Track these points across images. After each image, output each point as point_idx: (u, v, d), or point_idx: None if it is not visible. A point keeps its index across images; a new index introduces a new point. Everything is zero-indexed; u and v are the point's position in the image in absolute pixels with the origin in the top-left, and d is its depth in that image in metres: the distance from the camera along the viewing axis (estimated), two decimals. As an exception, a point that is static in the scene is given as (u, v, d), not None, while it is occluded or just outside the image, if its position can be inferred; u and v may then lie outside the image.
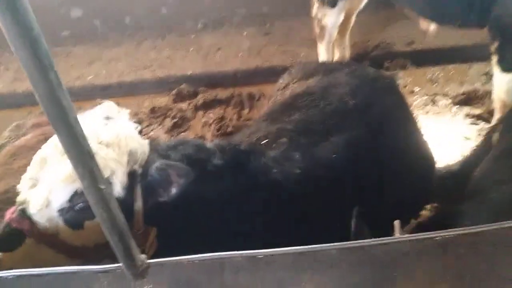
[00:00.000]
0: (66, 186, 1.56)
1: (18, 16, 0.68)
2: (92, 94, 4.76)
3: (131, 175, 1.68)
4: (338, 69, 2.87)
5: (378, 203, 2.14)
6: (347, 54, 4.54)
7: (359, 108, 2.38)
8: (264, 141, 2.21)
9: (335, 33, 3.99)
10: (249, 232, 1.89)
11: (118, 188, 1.63)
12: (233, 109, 4.33)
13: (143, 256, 1.12)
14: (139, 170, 1.71)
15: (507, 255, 1.17)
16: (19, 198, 1.61)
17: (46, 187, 1.56)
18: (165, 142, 2.00)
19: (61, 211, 1.57)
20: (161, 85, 4.79)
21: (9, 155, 2.28)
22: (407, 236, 1.20)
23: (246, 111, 4.30)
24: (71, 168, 1.47)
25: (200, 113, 4.34)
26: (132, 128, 1.80)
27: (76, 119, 0.82)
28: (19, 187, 1.64)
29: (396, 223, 1.54)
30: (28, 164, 2.16)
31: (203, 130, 4.10)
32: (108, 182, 0.94)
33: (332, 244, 1.15)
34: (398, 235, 1.50)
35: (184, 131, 4.09)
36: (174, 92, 4.58)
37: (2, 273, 1.17)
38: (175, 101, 4.52)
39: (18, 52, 0.72)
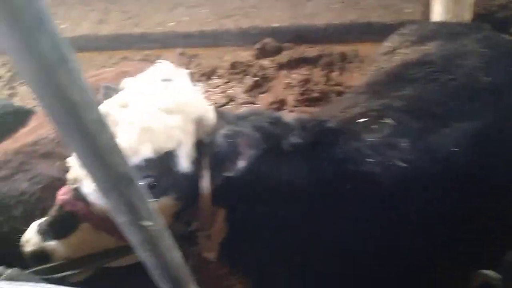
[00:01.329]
0: (129, 158, 1.30)
1: None
2: (173, 42, 4.61)
3: (198, 146, 1.43)
4: (465, 33, 2.29)
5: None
6: (469, 14, 3.76)
7: (495, 88, 1.82)
8: (362, 120, 1.76)
9: (459, -15, 3.27)
10: (326, 234, 1.53)
11: (185, 162, 1.39)
12: (321, 70, 3.88)
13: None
14: (207, 140, 1.44)
15: None
16: (70, 176, 1.39)
17: None
18: (234, 112, 1.68)
19: None
20: (244, 37, 4.47)
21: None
22: None
23: (336, 73, 3.82)
24: (135, 135, 1.29)
25: (284, 72, 3.95)
26: (196, 92, 1.51)
27: (100, 123, 0.47)
28: (70, 161, 1.40)
29: None
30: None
31: (284, 92, 3.71)
32: (155, 217, 0.60)
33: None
34: None
35: (264, 92, 3.74)
36: (257, 46, 4.24)
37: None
38: (257, 56, 4.18)
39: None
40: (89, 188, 1.33)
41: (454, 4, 3.43)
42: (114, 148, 0.51)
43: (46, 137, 1.96)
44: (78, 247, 1.38)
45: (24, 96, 4.43)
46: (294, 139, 1.53)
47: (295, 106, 3.52)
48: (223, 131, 1.42)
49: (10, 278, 1.06)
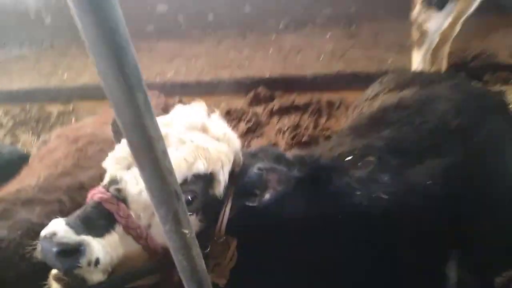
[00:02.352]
0: (176, 172, 1.40)
1: (103, 14, 0.52)
2: (171, 91, 4.83)
3: (230, 175, 1.58)
4: (438, 81, 2.53)
5: (482, 247, 1.80)
6: (445, 64, 4.09)
7: (462, 129, 2.04)
8: (348, 158, 1.96)
9: (436, 40, 3.59)
10: (322, 259, 1.67)
11: (221, 187, 1.53)
12: (310, 116, 4.12)
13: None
14: (237, 171, 1.60)
15: None
16: (109, 177, 1.47)
17: None
18: (246, 148, 1.85)
19: None
20: (238, 86, 4.73)
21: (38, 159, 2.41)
22: None
23: (323, 119, 4.06)
24: (184, 153, 1.41)
25: (275, 118, 4.19)
26: (231, 130, 1.70)
27: (164, 152, 0.65)
28: (105, 165, 1.50)
29: None
30: (53, 166, 2.19)
31: (276, 137, 3.93)
32: (191, 227, 0.76)
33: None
34: None
35: (257, 137, 3.95)
36: (250, 94, 4.50)
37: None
38: (251, 104, 4.42)
39: (98, 63, 0.56)
40: (134, 189, 1.39)
41: (431, 56, 3.75)
42: (172, 171, 0.68)
43: (29, 185, 2.07)
44: (113, 250, 1.36)
45: (26, 142, 4.59)
46: (295, 173, 1.70)
47: (286, 150, 3.71)
48: (259, 164, 1.56)
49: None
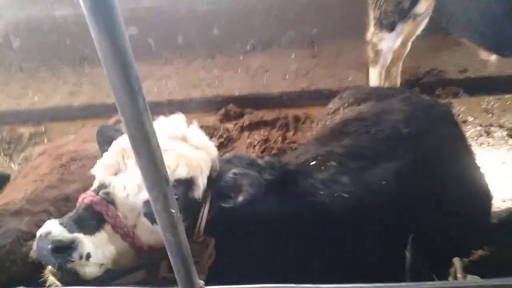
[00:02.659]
0: None
1: (114, 36, 0.71)
2: (143, 111, 4.92)
3: (208, 180, 1.73)
4: (391, 95, 2.82)
5: (431, 236, 2.04)
6: (398, 80, 4.46)
7: (412, 136, 2.31)
8: (312, 163, 2.19)
9: (389, 58, 3.94)
10: (292, 252, 1.87)
11: (200, 190, 1.68)
12: (278, 131, 4.35)
13: (201, 282, 1.12)
14: (214, 176, 1.76)
15: None
16: (98, 182, 1.61)
17: (138, 174, 1.50)
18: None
19: (147, 202, 1.52)
20: (209, 104, 4.90)
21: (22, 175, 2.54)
22: (453, 282, 1.13)
23: (291, 133, 4.30)
24: (167, 160, 1.47)
25: (246, 133, 4.39)
26: (208, 139, 1.86)
27: (157, 144, 0.83)
28: (94, 171, 1.65)
29: (457, 262, 1.45)
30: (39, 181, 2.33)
31: (247, 151, 4.13)
32: (176, 208, 0.94)
33: (374, 285, 1.10)
34: (459, 275, 1.42)
35: (229, 151, 4.12)
36: (221, 112, 4.68)
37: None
38: (221, 121, 4.60)
39: (109, 74, 0.74)
40: (122, 193, 1.55)
41: (385, 73, 4.10)
42: (162, 159, 0.87)
43: (16, 197, 2.20)
44: (102, 246, 1.49)
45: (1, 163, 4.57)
46: (267, 176, 1.90)
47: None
48: (234, 170, 1.73)
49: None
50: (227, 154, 2.40)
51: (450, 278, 1.48)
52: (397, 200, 2.00)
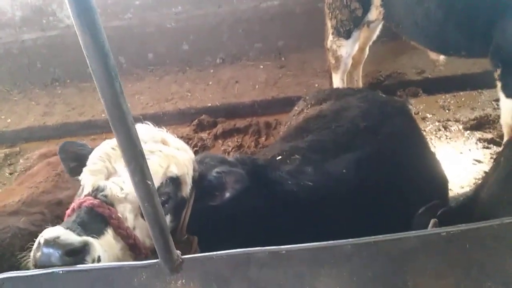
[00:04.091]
0: (155, 177, 1.49)
1: (96, 34, 0.86)
2: (117, 126, 5.01)
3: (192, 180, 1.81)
4: (350, 94, 3.04)
5: (390, 220, 2.23)
6: (360, 83, 4.73)
7: (369, 129, 2.52)
8: (278, 158, 2.36)
9: (349, 63, 4.19)
10: (267, 237, 2.00)
11: (188, 188, 1.76)
12: (250, 137, 4.53)
13: (178, 252, 1.25)
14: (196, 176, 1.83)
15: (511, 250, 1.26)
16: (92, 186, 1.60)
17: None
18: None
19: None
20: (182, 116, 5.05)
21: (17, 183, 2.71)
22: (415, 232, 1.31)
23: (263, 139, 4.49)
24: (158, 160, 1.62)
25: (220, 141, 4.54)
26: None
27: (132, 122, 0.98)
28: (82, 178, 1.66)
29: (432, 222, 1.64)
30: (34, 187, 2.44)
31: (222, 157, 4.27)
32: (152, 179, 1.07)
33: (347, 240, 1.27)
34: None
35: (204, 159, 4.26)
36: (194, 122, 4.83)
37: (54, 269, 1.31)
38: (195, 131, 4.75)
39: (92, 64, 0.89)
40: (121, 194, 1.57)
41: (347, 77, 4.36)
42: (137, 135, 1.02)
43: (13, 200, 2.35)
44: (108, 249, 1.49)
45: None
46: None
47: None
48: (217, 169, 1.82)
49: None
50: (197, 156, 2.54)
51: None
52: (356, 185, 2.19)
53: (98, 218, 1.50)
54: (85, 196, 1.58)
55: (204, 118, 4.81)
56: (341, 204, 2.12)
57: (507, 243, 1.27)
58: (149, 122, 1.98)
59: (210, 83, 5.57)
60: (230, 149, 4.34)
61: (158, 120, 5.05)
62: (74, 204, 1.56)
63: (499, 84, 2.97)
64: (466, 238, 1.26)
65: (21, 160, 4.49)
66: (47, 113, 5.59)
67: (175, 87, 5.57)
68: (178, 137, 4.46)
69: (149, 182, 1.06)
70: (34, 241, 1.46)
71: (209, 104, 5.10)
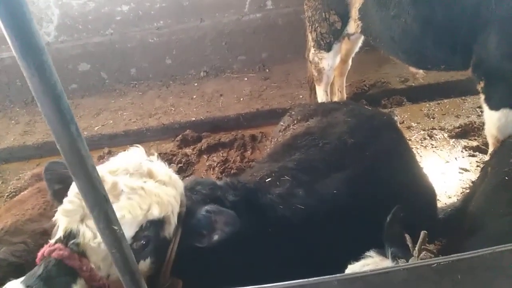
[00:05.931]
0: (133, 221, 1.46)
1: (45, 76, 0.79)
2: (100, 143, 4.93)
3: (178, 217, 1.67)
4: (336, 109, 3.00)
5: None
6: (344, 95, 4.71)
7: (357, 146, 2.48)
8: (268, 180, 2.30)
9: (332, 75, 4.16)
10: (262, 266, 1.93)
11: (172, 228, 1.61)
12: (236, 151, 4.45)
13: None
14: (183, 213, 1.69)
15: (504, 279, 1.22)
16: (64, 230, 1.48)
17: None
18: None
19: None
20: (166, 131, 4.96)
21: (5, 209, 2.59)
22: (404, 265, 1.26)
23: (248, 152, 4.42)
24: (138, 201, 1.47)
25: (204, 157, 4.46)
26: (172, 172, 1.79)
27: (93, 166, 0.91)
28: (56, 218, 1.54)
29: (422, 234, 1.59)
30: (20, 215, 2.34)
31: (207, 173, 4.20)
32: (119, 224, 0.99)
33: (334, 275, 1.21)
34: (416, 248, 1.55)
35: (188, 175, 4.17)
36: (178, 138, 4.74)
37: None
38: (179, 146, 4.65)
39: (43, 109, 0.82)
40: (93, 243, 1.42)
41: (330, 89, 4.33)
42: (100, 180, 0.94)
43: None
44: None
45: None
46: (231, 198, 1.96)
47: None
48: (207, 207, 1.66)
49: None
50: (187, 179, 2.46)
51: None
52: (349, 205, 2.13)
53: (67, 271, 1.38)
54: (56, 242, 1.47)
55: (188, 133, 4.73)
56: (334, 227, 2.07)
57: (500, 272, 1.23)
58: (139, 145, 1.87)
59: (194, 96, 5.50)
60: (215, 164, 4.26)
61: (142, 136, 5.01)
62: (44, 250, 1.44)
63: (482, 96, 2.95)
64: (457, 269, 1.21)
65: (14, 181, 4.41)
66: (27, 132, 5.45)
67: (159, 102, 5.48)
68: (162, 153, 4.45)
69: (115, 228, 0.98)
70: (14, 273, 1.37)
71: (193, 118, 5.02)
